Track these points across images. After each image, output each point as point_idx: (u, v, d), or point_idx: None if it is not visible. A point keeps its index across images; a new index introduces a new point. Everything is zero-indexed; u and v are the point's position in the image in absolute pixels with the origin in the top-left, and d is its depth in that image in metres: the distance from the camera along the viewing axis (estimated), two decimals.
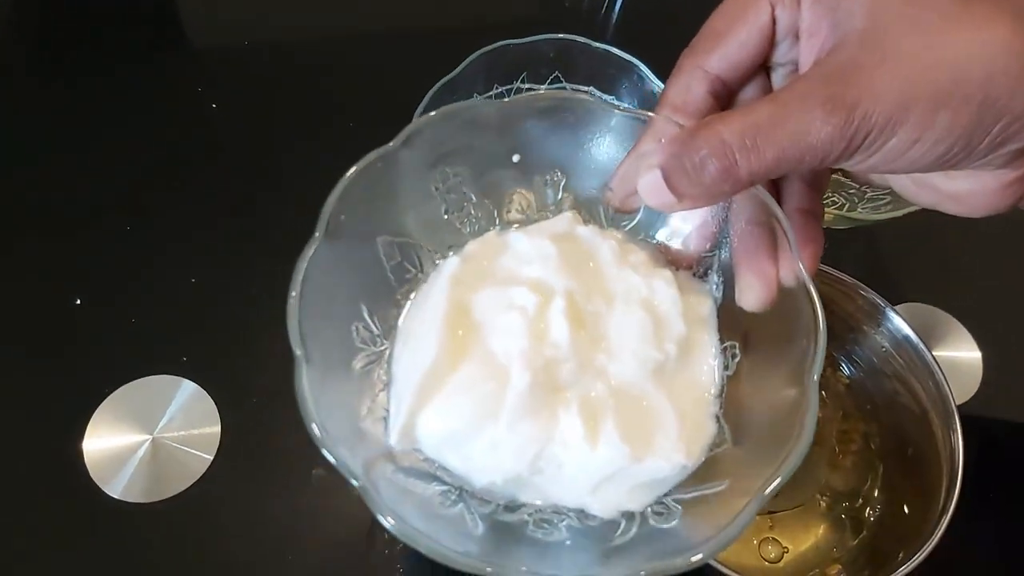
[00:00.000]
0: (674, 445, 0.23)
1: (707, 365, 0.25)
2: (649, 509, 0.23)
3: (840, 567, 0.39)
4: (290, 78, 0.57)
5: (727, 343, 0.26)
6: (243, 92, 0.56)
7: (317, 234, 0.22)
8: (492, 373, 0.23)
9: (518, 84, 0.44)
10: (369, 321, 0.24)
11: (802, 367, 0.22)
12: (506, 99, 0.25)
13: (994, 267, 0.53)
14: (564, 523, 0.23)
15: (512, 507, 0.23)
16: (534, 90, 0.43)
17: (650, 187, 0.22)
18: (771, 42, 0.24)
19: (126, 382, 0.43)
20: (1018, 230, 0.54)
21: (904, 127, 0.20)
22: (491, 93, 0.43)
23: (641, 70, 0.43)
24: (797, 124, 0.20)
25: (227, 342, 0.45)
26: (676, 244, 0.27)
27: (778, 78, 0.25)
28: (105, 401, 0.42)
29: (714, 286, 0.26)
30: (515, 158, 0.26)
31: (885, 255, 0.53)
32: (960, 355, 0.49)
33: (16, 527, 0.39)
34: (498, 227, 0.27)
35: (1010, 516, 0.44)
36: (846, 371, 0.44)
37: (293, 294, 0.21)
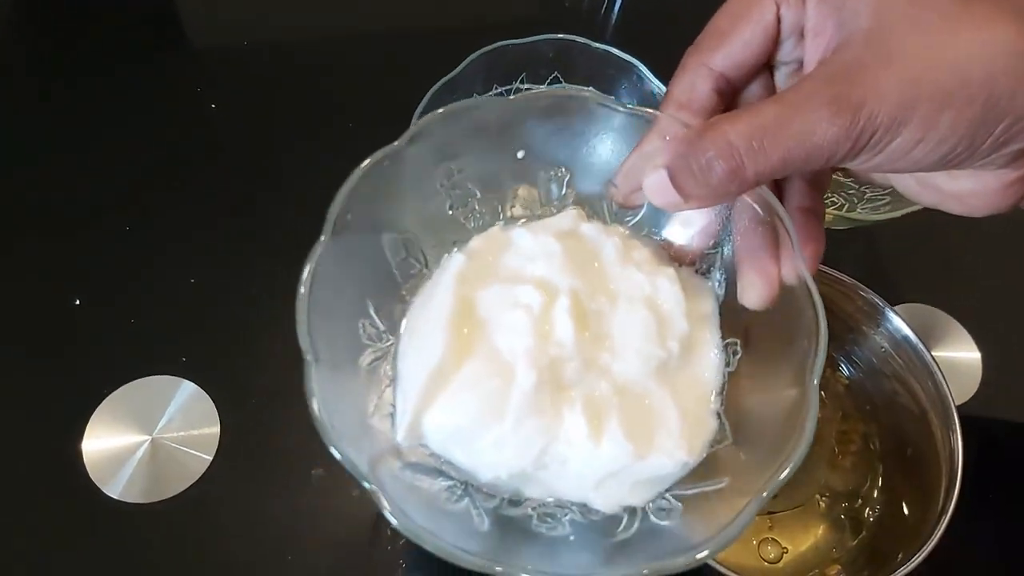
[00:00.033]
0: (676, 443, 0.23)
1: (709, 362, 0.25)
2: (650, 505, 0.23)
3: (839, 567, 0.39)
4: (290, 78, 0.57)
5: (728, 340, 0.26)
6: (243, 92, 0.56)
7: (324, 233, 0.22)
8: (497, 370, 0.23)
9: (517, 84, 0.44)
10: (375, 317, 0.24)
11: (803, 366, 0.22)
12: (511, 97, 0.25)
13: (994, 267, 0.53)
14: (567, 517, 0.23)
15: (516, 501, 0.24)
16: (534, 90, 0.44)
17: (656, 187, 0.22)
18: (775, 41, 0.24)
19: (125, 382, 0.43)
20: (1019, 230, 0.54)
21: (908, 127, 0.20)
22: (490, 93, 0.43)
23: (640, 70, 0.43)
24: (803, 125, 0.20)
25: (227, 342, 0.45)
26: (679, 241, 0.27)
27: (781, 76, 0.25)
28: (104, 401, 0.42)
29: (716, 283, 0.27)
30: (520, 154, 0.27)
31: (884, 255, 0.53)
32: (959, 355, 0.49)
33: (15, 527, 0.39)
34: (502, 222, 0.27)
35: (1009, 516, 0.44)
36: (845, 371, 0.44)
37: (302, 292, 0.21)
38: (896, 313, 0.40)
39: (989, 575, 0.43)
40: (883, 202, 0.45)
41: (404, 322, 0.25)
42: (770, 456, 0.22)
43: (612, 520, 0.23)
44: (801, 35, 0.23)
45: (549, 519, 0.23)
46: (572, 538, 0.23)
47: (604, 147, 0.26)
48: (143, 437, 0.42)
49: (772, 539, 0.40)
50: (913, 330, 0.40)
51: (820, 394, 0.22)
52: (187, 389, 0.43)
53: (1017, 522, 0.44)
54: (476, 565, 0.19)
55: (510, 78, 0.44)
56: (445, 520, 0.22)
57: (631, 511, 0.23)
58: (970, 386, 0.47)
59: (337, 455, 0.20)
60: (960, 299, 0.50)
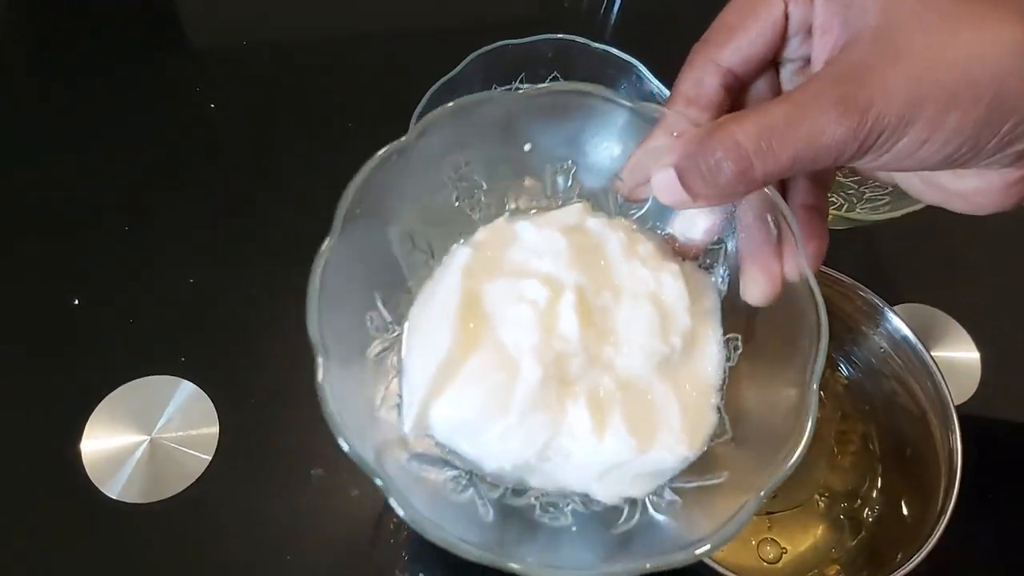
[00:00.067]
0: (678, 438, 0.23)
1: (710, 357, 0.25)
2: (650, 497, 0.24)
3: (839, 568, 0.39)
4: (290, 78, 0.57)
5: (730, 335, 0.26)
6: (243, 92, 0.56)
7: (334, 227, 0.22)
8: (503, 364, 0.23)
9: (516, 84, 0.44)
10: (382, 309, 0.25)
11: (804, 364, 0.22)
12: (519, 91, 0.25)
13: (993, 267, 0.53)
14: (569, 507, 0.24)
15: (520, 491, 0.24)
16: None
17: (664, 185, 0.22)
18: (783, 37, 0.24)
19: (124, 382, 0.43)
20: (1019, 230, 0.54)
21: (914, 127, 0.20)
22: None
23: (640, 70, 0.43)
24: (811, 125, 0.20)
25: (226, 342, 0.45)
26: (683, 235, 0.27)
27: (787, 73, 0.25)
28: (103, 401, 0.42)
29: (720, 279, 0.27)
30: (527, 147, 0.27)
31: (884, 255, 0.53)
32: (959, 355, 0.49)
33: (14, 527, 0.39)
34: (508, 214, 0.27)
35: (1009, 516, 0.44)
36: (845, 371, 0.44)
37: (313, 285, 0.21)
38: (895, 313, 0.40)
39: (988, 575, 0.43)
40: (882, 202, 0.45)
41: (410, 314, 0.26)
42: (770, 453, 0.22)
43: (613, 511, 0.24)
44: (808, 32, 0.24)
45: (552, 509, 0.24)
46: (574, 529, 0.23)
47: (610, 141, 0.27)
48: (142, 437, 0.42)
49: (771, 539, 0.40)
50: (912, 330, 0.40)
51: (819, 394, 0.22)
52: (186, 389, 0.43)
53: (1016, 522, 0.44)
54: (478, 557, 0.20)
55: (509, 78, 0.44)
56: (450, 511, 0.23)
57: (632, 502, 0.24)
58: (969, 386, 0.47)
59: (345, 446, 0.20)
60: (960, 299, 0.50)
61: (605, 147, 0.27)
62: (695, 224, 0.26)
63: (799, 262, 0.23)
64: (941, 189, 0.24)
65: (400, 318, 0.25)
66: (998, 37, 0.20)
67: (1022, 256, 0.54)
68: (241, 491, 0.41)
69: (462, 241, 0.26)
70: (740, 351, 0.26)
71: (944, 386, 0.38)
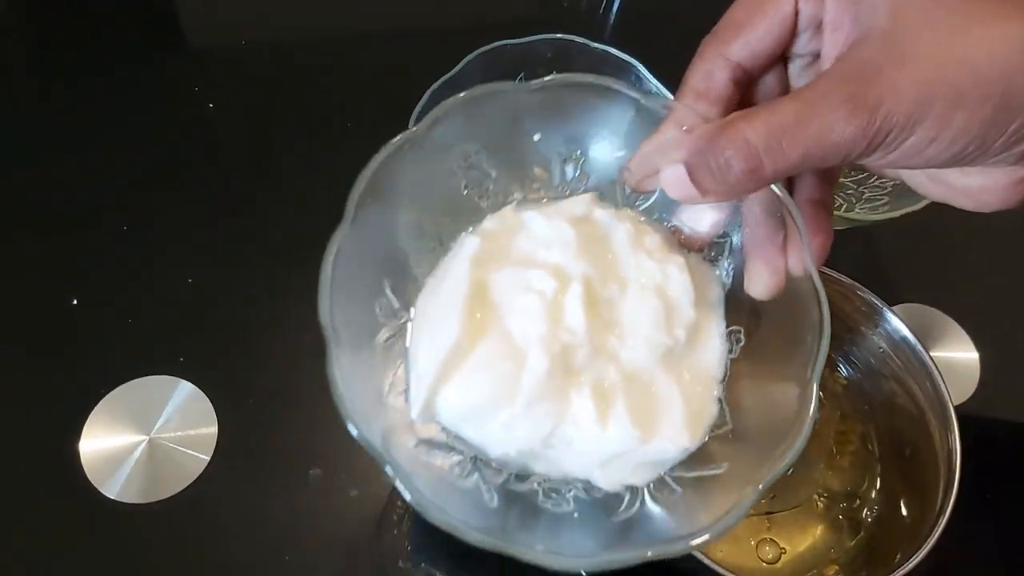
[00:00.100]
0: (679, 429, 0.24)
1: (713, 349, 0.26)
2: (651, 486, 0.24)
3: (838, 568, 0.39)
4: (289, 78, 0.57)
5: (732, 328, 0.26)
6: (243, 92, 0.56)
7: (346, 216, 0.22)
8: (510, 354, 0.23)
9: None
10: (391, 297, 0.25)
11: (805, 358, 0.23)
12: (531, 82, 0.25)
13: (993, 267, 0.53)
14: (571, 493, 0.24)
15: (523, 476, 0.24)
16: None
17: (674, 180, 0.22)
18: (792, 33, 0.24)
19: (123, 382, 0.43)
20: (1019, 230, 0.54)
21: (922, 126, 0.20)
22: None
23: (639, 70, 0.43)
24: (821, 124, 0.20)
25: (225, 342, 0.45)
26: (689, 228, 0.27)
27: (795, 69, 0.26)
28: (102, 401, 0.42)
29: (724, 272, 0.27)
30: (536, 137, 0.27)
31: (883, 256, 0.53)
32: (958, 356, 0.49)
33: (13, 527, 0.39)
34: (516, 203, 0.28)
35: (1008, 517, 0.44)
36: (844, 372, 0.44)
37: (325, 273, 0.22)
38: (894, 313, 0.40)
39: (988, 575, 0.43)
40: (881, 202, 0.45)
41: (418, 301, 0.26)
42: (769, 446, 0.22)
43: (614, 498, 0.24)
44: (818, 28, 0.24)
45: (554, 495, 0.24)
46: (576, 515, 0.24)
47: (620, 133, 0.27)
48: (140, 437, 0.42)
49: (770, 539, 0.40)
50: (911, 330, 0.40)
51: (818, 393, 0.22)
52: (185, 389, 0.43)
53: (1015, 522, 0.44)
54: (481, 541, 0.20)
55: (508, 78, 0.44)
56: (455, 496, 0.23)
57: (633, 490, 0.24)
58: (968, 386, 0.47)
59: (353, 431, 0.20)
60: (959, 299, 0.50)
61: (614, 138, 0.27)
62: (701, 217, 0.27)
63: (803, 257, 0.23)
64: (947, 186, 0.24)
65: (408, 305, 0.26)
66: (1006, 35, 0.20)
67: (1021, 256, 0.54)
68: (240, 491, 0.41)
69: (470, 230, 0.27)
70: (742, 344, 0.26)
71: (943, 386, 0.38)
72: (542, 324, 0.23)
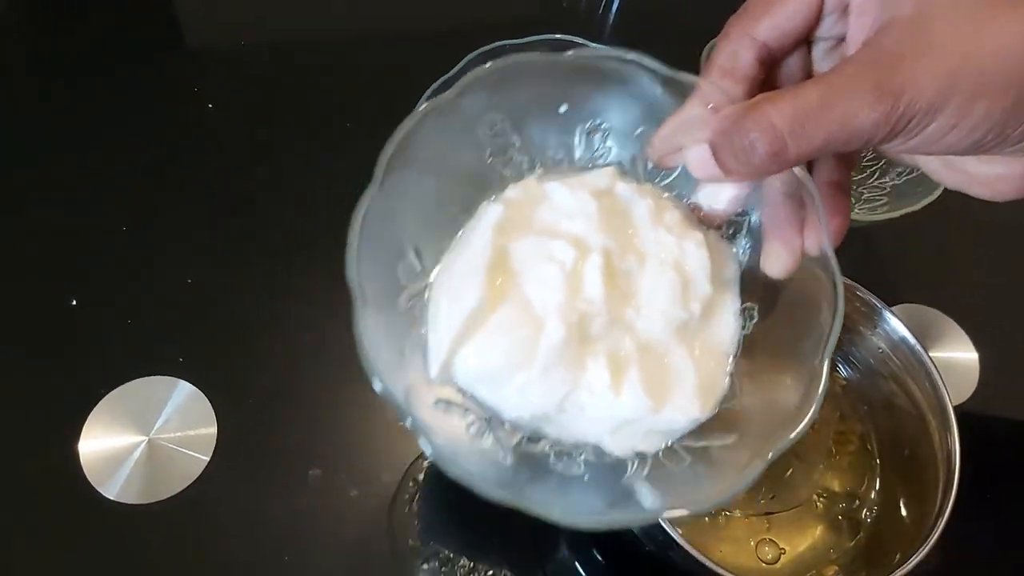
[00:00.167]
0: (691, 401, 0.24)
1: (726, 325, 0.26)
2: (660, 453, 0.25)
3: (837, 568, 0.39)
4: (289, 78, 0.57)
5: (746, 305, 0.27)
6: (243, 92, 0.56)
7: (374, 180, 0.23)
8: (528, 320, 0.24)
9: None
10: (414, 260, 0.26)
11: (818, 336, 0.23)
12: (561, 54, 0.25)
13: (992, 267, 0.53)
14: (582, 457, 0.25)
15: (535, 439, 0.25)
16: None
17: (698, 159, 0.23)
18: (818, 16, 0.24)
19: (122, 383, 0.43)
20: (1018, 230, 0.54)
21: (944, 114, 0.20)
22: None
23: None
24: (846, 108, 0.20)
25: (224, 343, 0.45)
26: (708, 205, 0.28)
27: (819, 52, 0.26)
28: (101, 402, 0.42)
29: (741, 250, 0.28)
30: (562, 108, 0.27)
31: (882, 256, 0.53)
32: (957, 356, 0.49)
33: (12, 528, 0.39)
34: (538, 173, 0.28)
35: (1007, 517, 0.44)
36: (843, 372, 0.44)
37: (354, 232, 0.22)
38: (893, 314, 0.40)
39: (987, 575, 0.43)
40: (880, 203, 0.45)
41: (439, 266, 0.26)
42: (777, 421, 0.23)
43: (624, 464, 0.25)
44: (843, 12, 0.24)
45: (565, 457, 0.25)
46: (586, 478, 0.25)
47: (644, 108, 0.27)
48: (140, 438, 0.42)
49: (770, 540, 0.40)
50: (910, 331, 0.40)
51: (829, 371, 0.23)
52: (184, 389, 0.43)
53: (1015, 522, 0.44)
54: (495, 495, 0.21)
55: None
56: (471, 453, 0.24)
57: (642, 457, 0.25)
58: (967, 386, 0.48)
59: (378, 387, 0.21)
60: (958, 299, 0.50)
61: (638, 114, 0.27)
62: (720, 195, 0.27)
63: (821, 237, 0.24)
64: (963, 173, 0.25)
65: (429, 270, 0.26)
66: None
67: (1020, 256, 0.54)
68: (239, 491, 0.41)
69: (493, 198, 0.27)
70: (755, 321, 0.27)
71: (942, 386, 0.38)
72: (561, 293, 0.24)
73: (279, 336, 0.46)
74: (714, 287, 0.26)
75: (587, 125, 0.28)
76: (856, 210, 0.46)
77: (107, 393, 0.42)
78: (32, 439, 0.42)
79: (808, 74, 0.26)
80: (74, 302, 0.46)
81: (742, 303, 0.27)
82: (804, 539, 0.40)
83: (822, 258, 0.24)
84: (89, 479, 0.40)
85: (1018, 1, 0.20)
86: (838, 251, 0.25)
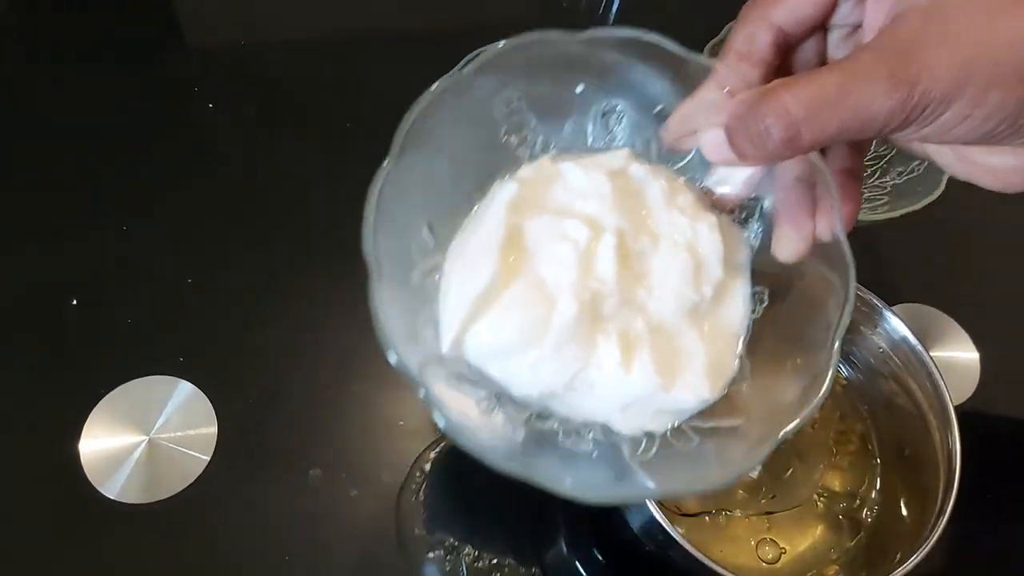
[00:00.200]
0: (700, 381, 0.25)
1: (736, 308, 0.27)
2: (668, 433, 0.25)
3: (837, 568, 0.39)
4: (289, 78, 0.57)
5: (756, 288, 0.27)
6: (242, 92, 0.56)
7: (390, 155, 0.23)
8: (541, 298, 0.24)
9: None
10: (428, 236, 0.26)
11: (828, 322, 0.24)
12: (579, 34, 0.26)
13: (992, 267, 0.53)
14: (591, 435, 0.25)
15: (544, 415, 0.25)
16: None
17: (712, 143, 0.23)
18: (835, 1, 0.25)
19: (123, 382, 0.43)
20: (1018, 229, 0.54)
21: (958, 103, 0.21)
22: None
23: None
24: (861, 96, 0.21)
25: (224, 342, 0.45)
26: (720, 189, 0.28)
27: (834, 39, 0.26)
28: (101, 402, 0.42)
29: (753, 234, 0.28)
30: (579, 88, 0.27)
31: (882, 256, 0.53)
32: (958, 355, 0.49)
33: (12, 528, 0.39)
34: (552, 153, 0.28)
35: (1008, 516, 0.44)
36: (844, 372, 0.44)
37: (370, 206, 0.22)
38: (894, 313, 0.40)
39: (987, 575, 0.43)
40: (881, 202, 0.45)
41: (453, 243, 0.26)
42: (785, 405, 0.23)
43: (632, 442, 0.25)
44: (860, 0, 0.24)
45: (574, 435, 0.25)
46: (595, 455, 0.25)
47: (660, 90, 0.27)
48: (140, 437, 0.42)
49: (770, 540, 0.40)
50: (911, 330, 0.40)
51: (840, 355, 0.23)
52: (184, 389, 0.43)
53: (1015, 522, 0.44)
54: (506, 468, 0.21)
55: None
56: (481, 428, 0.24)
57: (650, 436, 0.25)
58: (968, 386, 0.47)
59: (393, 359, 0.21)
60: (958, 299, 0.50)
61: (653, 96, 0.27)
62: (734, 179, 0.27)
63: (833, 223, 0.24)
64: (973, 163, 0.25)
65: (443, 246, 0.26)
66: None
67: (1021, 256, 0.54)
68: (239, 491, 0.41)
69: (507, 177, 0.27)
70: (765, 305, 0.27)
71: (943, 386, 0.38)
72: (574, 271, 0.24)
73: (279, 336, 0.46)
74: (726, 270, 0.26)
75: (602, 106, 0.28)
76: None
77: (107, 393, 0.42)
78: (32, 439, 0.42)
79: (823, 61, 0.26)
80: (74, 302, 0.46)
81: (753, 287, 0.27)
82: (805, 539, 0.40)
83: (834, 243, 0.24)
84: (89, 479, 0.40)
85: None
86: None
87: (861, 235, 0.52)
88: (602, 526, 0.43)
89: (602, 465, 0.25)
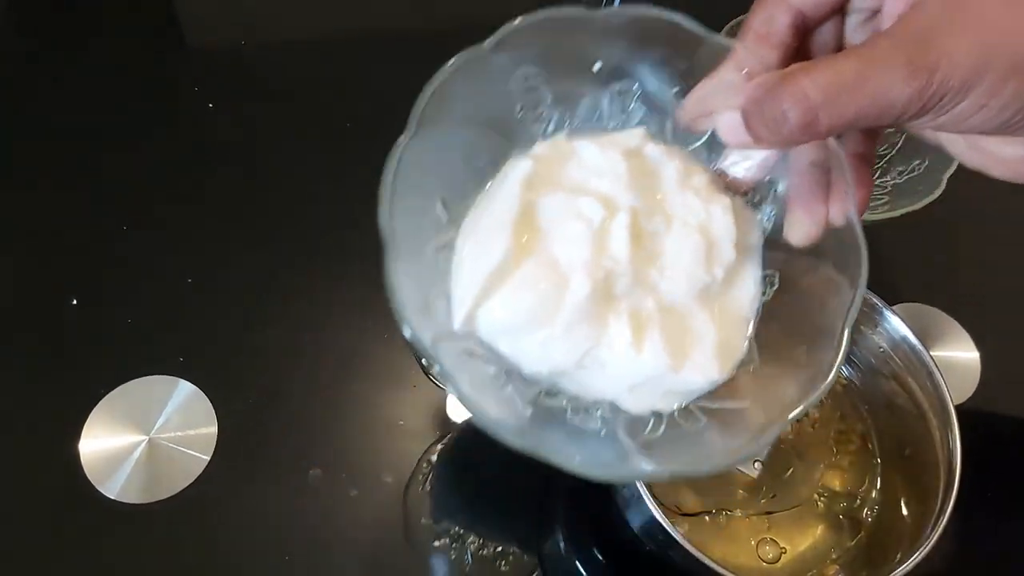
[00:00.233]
0: (709, 362, 0.25)
1: (747, 291, 0.27)
2: (676, 413, 0.25)
3: (838, 567, 0.39)
4: (289, 78, 0.57)
5: (767, 272, 0.27)
6: (242, 92, 0.56)
7: (407, 129, 0.23)
8: (554, 276, 0.24)
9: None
10: (441, 212, 0.26)
11: (838, 306, 0.24)
12: (599, 12, 0.25)
13: (993, 266, 0.53)
14: (599, 413, 0.25)
15: (553, 392, 0.26)
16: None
17: (729, 126, 0.23)
18: None
19: (123, 382, 0.43)
20: (1018, 229, 0.54)
21: (974, 92, 0.21)
22: None
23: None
24: (879, 83, 0.20)
25: (224, 342, 0.45)
26: (734, 172, 0.28)
27: (852, 24, 0.26)
28: (102, 401, 0.42)
29: (765, 217, 0.28)
30: (596, 67, 0.27)
31: (882, 255, 0.53)
32: (958, 355, 0.49)
33: (12, 528, 0.39)
34: (567, 130, 0.28)
35: (1008, 516, 0.44)
36: (844, 372, 0.44)
37: (387, 179, 0.22)
38: (894, 313, 0.40)
39: (988, 575, 0.43)
40: (881, 202, 0.45)
41: (466, 218, 0.26)
42: (794, 388, 0.24)
43: (640, 421, 0.25)
44: None
45: (583, 412, 0.25)
46: (603, 433, 0.25)
47: (677, 69, 0.27)
48: (140, 437, 0.42)
49: (770, 539, 0.40)
50: (911, 330, 0.40)
51: (851, 338, 0.23)
52: (184, 389, 0.43)
53: (1016, 522, 0.44)
54: (515, 443, 0.21)
55: None
56: (491, 404, 0.24)
57: (658, 415, 0.25)
58: (969, 386, 0.47)
59: (407, 332, 0.21)
60: (959, 299, 0.50)
61: (671, 74, 0.27)
62: (748, 162, 0.27)
63: (846, 208, 0.24)
64: (985, 153, 0.25)
65: (456, 221, 0.26)
66: None
67: (1021, 256, 0.54)
68: (240, 491, 0.41)
69: (522, 153, 0.27)
70: (776, 288, 0.27)
71: (943, 386, 0.38)
72: (587, 250, 0.24)
73: (279, 336, 0.46)
74: (738, 253, 0.26)
75: (619, 86, 0.28)
76: None
77: (107, 393, 0.42)
78: (32, 439, 0.42)
79: (840, 45, 0.26)
80: (74, 302, 0.46)
81: (764, 270, 0.27)
82: (805, 538, 0.40)
83: (848, 227, 0.24)
84: (89, 479, 0.40)
85: None
86: None
87: None
88: (602, 526, 0.43)
89: (610, 443, 0.25)
